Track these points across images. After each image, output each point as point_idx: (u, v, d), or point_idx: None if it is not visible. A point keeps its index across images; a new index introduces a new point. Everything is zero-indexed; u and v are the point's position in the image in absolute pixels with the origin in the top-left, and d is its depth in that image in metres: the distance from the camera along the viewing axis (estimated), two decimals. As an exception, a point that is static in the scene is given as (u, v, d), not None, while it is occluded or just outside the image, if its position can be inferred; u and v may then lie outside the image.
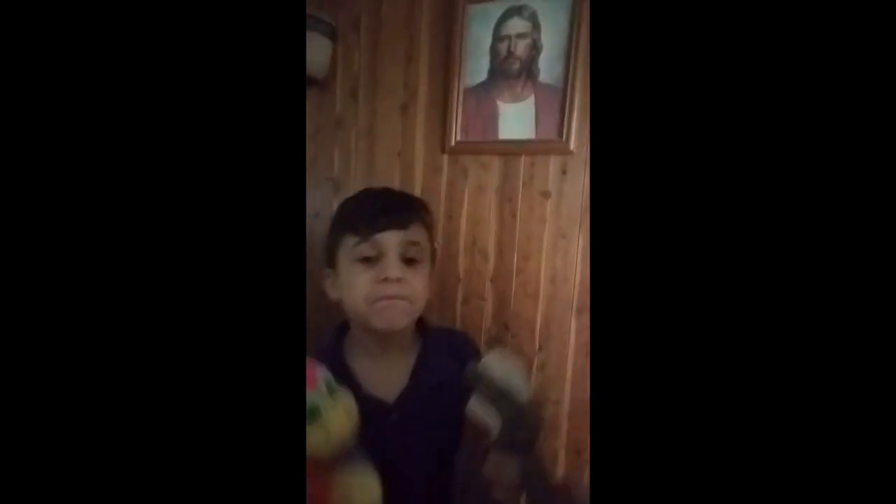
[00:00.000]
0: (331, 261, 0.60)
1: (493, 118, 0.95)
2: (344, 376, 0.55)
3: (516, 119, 0.93)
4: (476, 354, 0.68)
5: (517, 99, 0.93)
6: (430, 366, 0.60)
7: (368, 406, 0.53)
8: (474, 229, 1.00)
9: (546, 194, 0.94)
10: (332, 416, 0.43)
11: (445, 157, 1.01)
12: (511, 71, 0.92)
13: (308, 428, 0.40)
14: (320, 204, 1.13)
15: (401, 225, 0.55)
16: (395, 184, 1.05)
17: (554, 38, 0.89)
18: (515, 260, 0.97)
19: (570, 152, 0.90)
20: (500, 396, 0.46)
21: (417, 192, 1.03)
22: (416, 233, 0.57)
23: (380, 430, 0.49)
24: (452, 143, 0.98)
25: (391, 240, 0.55)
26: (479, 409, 0.46)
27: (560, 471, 0.97)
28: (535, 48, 0.90)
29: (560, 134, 0.89)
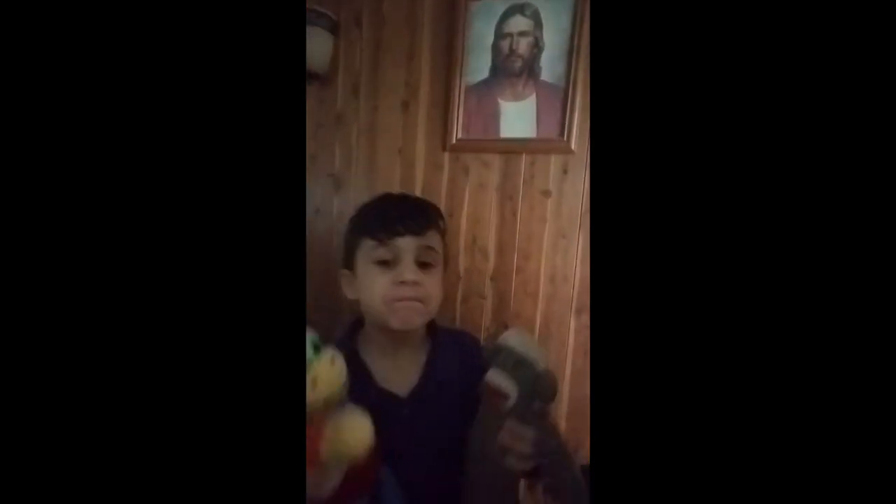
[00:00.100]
0: (348, 262, 0.63)
1: (494, 116, 0.95)
2: (358, 370, 0.57)
3: (517, 117, 0.93)
4: (482, 355, 0.70)
5: (518, 97, 0.93)
6: (440, 364, 0.63)
7: (382, 399, 0.57)
8: (475, 227, 1.00)
9: (546, 193, 0.94)
10: (319, 370, 0.44)
11: (446, 155, 1.01)
12: (513, 69, 0.92)
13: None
14: (321, 200, 1.13)
15: (417, 231, 0.58)
16: (396, 181, 1.06)
17: (556, 37, 0.89)
18: (515, 259, 0.98)
19: (571, 152, 0.90)
20: (517, 366, 0.48)
21: (418, 189, 1.04)
22: (431, 238, 0.60)
23: (393, 423, 0.51)
24: (453, 140, 0.98)
25: (408, 245, 0.58)
26: (497, 378, 0.48)
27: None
28: (537, 46, 0.90)
29: (561, 133, 0.90)
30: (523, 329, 0.57)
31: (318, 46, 1.04)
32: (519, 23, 0.91)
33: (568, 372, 0.96)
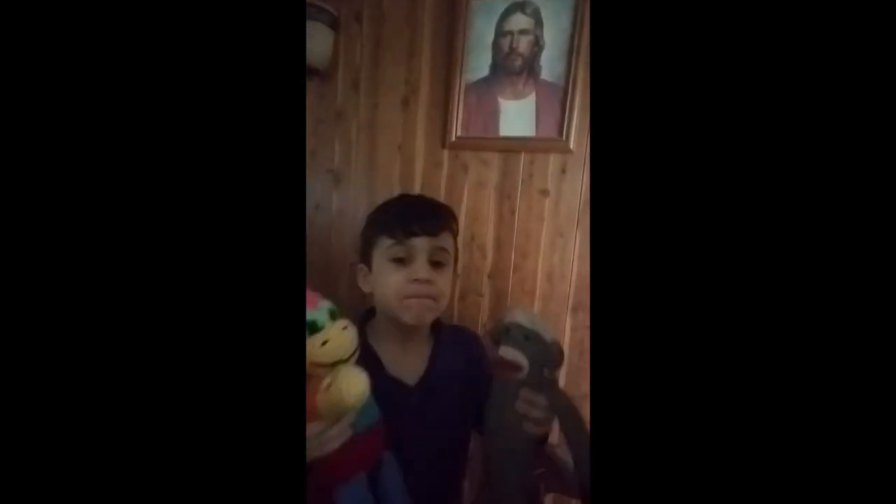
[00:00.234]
0: (365, 257, 0.67)
1: (493, 115, 0.96)
2: (368, 358, 0.61)
3: (517, 116, 0.94)
4: (483, 351, 0.75)
5: (518, 96, 0.93)
6: (445, 356, 0.68)
7: (392, 386, 0.62)
8: (473, 225, 1.01)
9: (545, 192, 0.95)
10: (332, 333, 0.47)
11: (446, 153, 1.02)
12: (513, 67, 0.93)
13: (308, 339, 0.46)
14: (320, 196, 1.14)
15: (432, 232, 0.62)
16: (395, 178, 1.07)
17: (556, 36, 0.89)
18: (513, 257, 0.99)
19: (570, 151, 0.91)
20: (526, 339, 0.53)
21: (417, 186, 1.05)
22: (444, 240, 0.64)
23: (402, 410, 0.56)
24: (453, 138, 0.99)
25: (422, 245, 0.61)
26: (510, 353, 0.52)
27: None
28: (538, 45, 0.91)
29: (560, 133, 0.90)
30: (526, 306, 0.60)
31: (318, 42, 1.04)
32: (519, 21, 0.92)
33: (564, 369, 0.97)
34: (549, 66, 0.90)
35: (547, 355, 0.54)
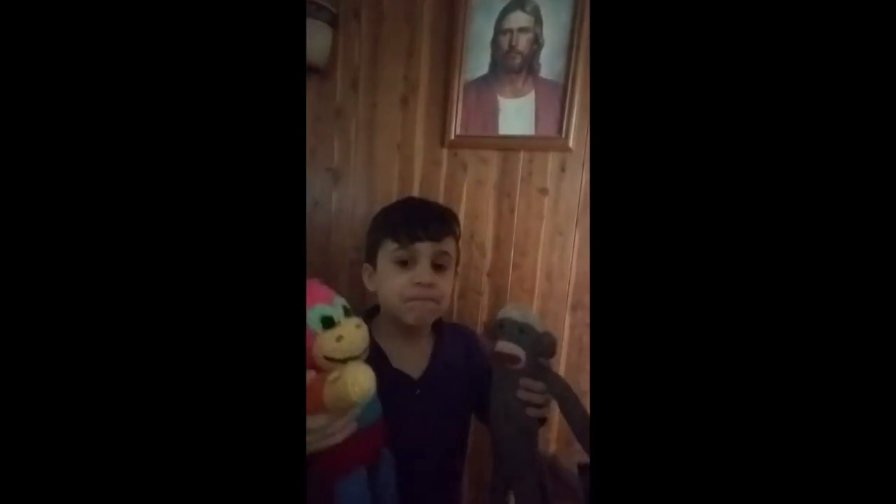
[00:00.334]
0: (371, 258, 0.69)
1: (493, 113, 0.96)
2: (374, 352, 0.63)
3: (516, 114, 0.95)
4: (480, 346, 0.78)
5: (518, 94, 0.94)
6: (446, 352, 0.72)
7: (397, 378, 0.65)
8: (472, 224, 1.02)
9: (544, 191, 0.96)
10: (346, 329, 0.50)
11: (445, 151, 1.02)
12: (512, 65, 0.93)
13: (323, 333, 0.48)
14: (319, 193, 1.15)
15: (435, 237, 0.65)
16: (395, 176, 1.07)
17: (555, 34, 0.90)
18: (512, 255, 1.00)
19: (569, 150, 0.92)
20: (521, 332, 0.58)
21: (416, 184, 1.05)
22: (446, 244, 0.67)
23: (407, 401, 0.61)
24: (452, 136, 0.99)
25: (426, 249, 0.64)
26: (507, 347, 0.57)
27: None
28: (537, 43, 0.91)
29: (560, 131, 0.91)
30: (519, 302, 0.63)
31: (317, 39, 1.04)
32: (519, 19, 0.92)
33: (563, 367, 0.98)
34: (549, 63, 0.91)
35: (540, 345, 0.59)
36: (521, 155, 0.97)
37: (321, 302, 0.51)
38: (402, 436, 0.58)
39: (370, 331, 0.68)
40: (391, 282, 0.65)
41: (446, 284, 0.67)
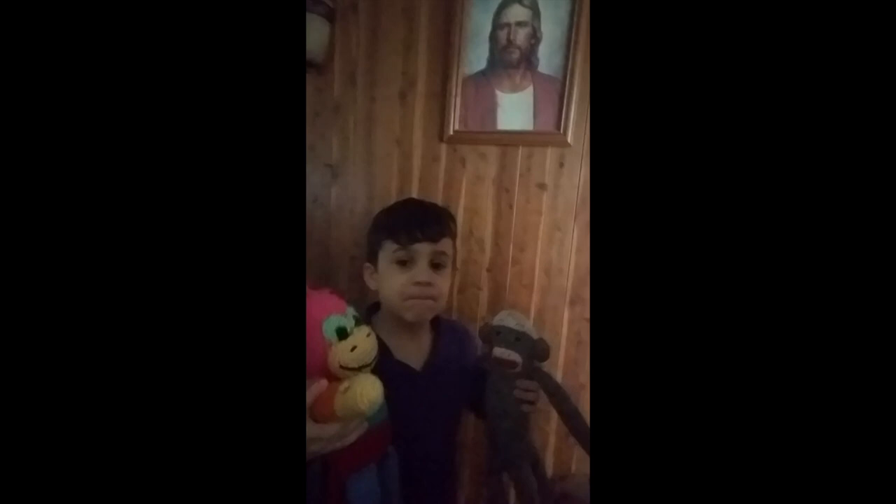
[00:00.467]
0: (372, 258, 0.73)
1: (491, 108, 0.97)
2: (378, 346, 0.68)
3: (515, 109, 0.95)
4: (474, 344, 0.82)
5: (516, 89, 0.95)
6: (444, 345, 0.77)
7: (400, 370, 0.70)
8: (471, 219, 1.03)
9: (542, 186, 0.97)
10: (359, 337, 0.53)
11: (444, 147, 1.03)
12: (510, 60, 0.94)
13: (338, 343, 0.52)
14: (319, 189, 1.16)
15: (433, 238, 0.68)
16: (394, 172, 1.08)
17: (554, 28, 0.90)
18: (511, 250, 1.01)
19: (568, 145, 0.93)
20: (517, 339, 0.64)
21: (415, 180, 1.06)
22: (444, 244, 0.70)
23: (410, 391, 0.65)
24: (451, 132, 1.00)
25: (425, 249, 0.68)
26: (504, 353, 0.63)
27: (550, 455, 1.03)
28: (535, 37, 0.92)
29: (558, 126, 0.92)
30: (513, 310, 0.69)
31: (314, 34, 1.05)
32: (517, 13, 0.92)
33: (562, 361, 1.00)
34: (547, 58, 0.92)
35: (535, 351, 0.65)
36: (520, 150, 0.98)
37: (335, 312, 0.53)
38: (404, 424, 0.63)
39: (372, 326, 0.72)
40: (391, 281, 0.69)
41: (444, 283, 0.71)
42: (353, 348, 0.52)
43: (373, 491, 0.58)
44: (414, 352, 0.74)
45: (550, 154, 0.96)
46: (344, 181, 1.14)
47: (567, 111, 0.90)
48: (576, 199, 0.95)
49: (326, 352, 0.52)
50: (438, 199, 1.04)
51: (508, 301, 1.02)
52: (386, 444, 0.61)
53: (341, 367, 0.52)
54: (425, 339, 0.77)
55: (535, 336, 0.65)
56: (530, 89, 0.94)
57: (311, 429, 0.50)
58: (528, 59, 0.93)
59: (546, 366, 0.98)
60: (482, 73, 0.97)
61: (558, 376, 1.00)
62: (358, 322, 0.55)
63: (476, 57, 0.97)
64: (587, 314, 0.98)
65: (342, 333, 0.52)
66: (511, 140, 0.97)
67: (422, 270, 0.68)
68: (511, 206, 1.00)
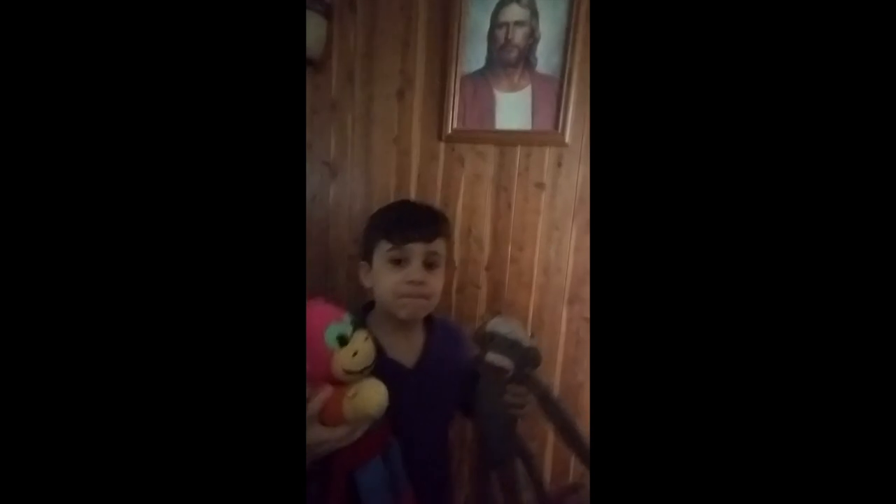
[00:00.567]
0: (367, 256, 0.76)
1: (489, 107, 0.98)
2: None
3: (513, 108, 0.96)
4: (467, 344, 0.83)
5: (514, 88, 0.95)
6: (437, 345, 0.78)
7: (393, 368, 0.71)
8: (470, 218, 1.04)
9: (541, 186, 0.98)
10: (358, 344, 0.57)
11: (442, 145, 1.04)
12: (508, 59, 0.95)
13: (340, 350, 0.55)
14: (317, 187, 1.17)
15: (426, 238, 0.71)
16: (392, 170, 1.09)
17: (552, 28, 0.91)
18: (510, 249, 1.02)
19: (566, 144, 0.94)
20: (509, 346, 0.65)
21: (414, 179, 1.08)
22: (437, 244, 0.72)
23: (402, 389, 0.65)
24: (449, 131, 1.01)
25: (418, 249, 0.70)
26: (496, 359, 0.65)
27: (549, 452, 1.05)
28: (533, 37, 0.93)
29: (556, 126, 0.93)
30: (507, 316, 0.72)
31: (312, 31, 1.05)
32: (515, 12, 0.93)
33: (560, 360, 1.02)
34: (545, 57, 0.92)
35: (527, 358, 0.67)
36: (518, 149, 0.99)
37: (334, 321, 0.57)
38: (396, 421, 0.65)
39: (366, 324, 0.75)
40: (386, 279, 0.71)
41: (437, 282, 0.73)
42: (355, 353, 0.56)
43: (383, 481, 0.62)
44: (406, 350, 0.76)
45: (549, 153, 0.97)
46: (342, 180, 1.15)
47: (565, 111, 0.91)
48: (574, 199, 0.96)
49: (329, 359, 0.55)
50: (437, 198, 1.06)
51: (507, 300, 1.03)
52: (389, 436, 0.65)
53: (345, 372, 0.56)
54: (418, 338, 0.78)
55: (527, 344, 0.67)
56: (528, 89, 0.95)
57: (322, 432, 0.55)
58: (527, 58, 0.94)
59: (545, 364, 1.02)
60: (480, 72, 0.97)
61: (557, 375, 1.02)
62: (355, 327, 0.59)
63: (474, 56, 0.97)
64: (585, 313, 0.99)
65: (343, 341, 0.56)
66: (509, 139, 0.98)
67: (415, 270, 0.70)
68: (509, 206, 1.01)
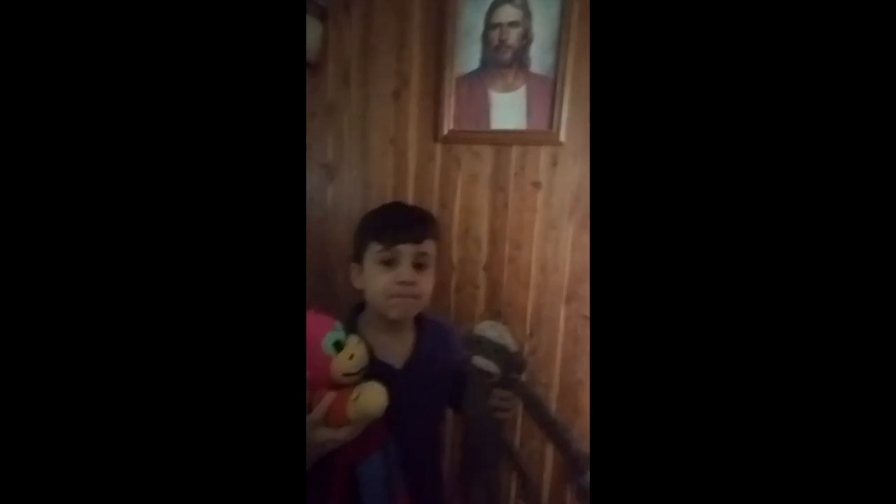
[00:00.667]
0: (357, 258, 0.78)
1: (485, 108, 1.00)
2: None
3: (508, 109, 0.98)
4: (457, 344, 0.83)
5: (509, 88, 0.97)
6: (426, 344, 0.80)
7: (382, 369, 0.72)
8: (467, 218, 1.06)
9: (537, 185, 1.00)
10: (353, 347, 0.63)
11: (438, 146, 1.06)
12: (503, 60, 0.96)
13: (337, 355, 0.61)
14: (315, 190, 1.19)
15: (416, 239, 0.73)
16: (389, 172, 1.11)
17: (545, 28, 0.93)
18: (507, 249, 1.04)
19: (561, 143, 0.95)
20: (496, 351, 0.67)
21: (411, 180, 1.09)
22: (427, 245, 0.75)
23: (391, 390, 0.68)
24: (445, 131, 1.03)
25: (407, 251, 0.73)
26: (482, 363, 0.66)
27: (550, 452, 1.06)
28: (527, 37, 0.94)
29: (551, 125, 0.94)
30: (495, 322, 0.72)
31: (307, 34, 1.07)
32: (508, 13, 0.95)
33: (559, 357, 1.03)
34: (539, 58, 0.94)
35: (513, 363, 0.69)
36: (514, 149, 1.00)
37: (329, 330, 0.63)
38: (386, 421, 0.68)
39: (357, 325, 0.79)
40: (376, 280, 0.74)
41: (427, 282, 0.76)
42: (351, 356, 0.62)
43: (382, 476, 0.67)
44: (396, 350, 0.78)
45: (544, 153, 0.98)
46: (340, 181, 1.16)
47: (559, 110, 0.93)
48: (570, 197, 0.98)
49: (328, 365, 0.61)
50: (434, 199, 1.08)
51: (505, 299, 1.05)
52: (387, 432, 0.68)
53: (343, 374, 0.61)
54: (408, 338, 0.80)
55: (513, 349, 0.69)
56: (523, 89, 0.96)
57: (327, 433, 0.61)
58: (520, 59, 0.95)
59: (545, 361, 1.04)
60: (475, 72, 0.99)
61: (556, 372, 1.04)
62: (348, 332, 0.64)
63: (469, 57, 0.99)
64: (583, 311, 1.01)
65: (339, 346, 0.62)
66: (505, 139, 1.00)
67: (405, 270, 0.72)
68: (506, 205, 1.03)
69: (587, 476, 0.63)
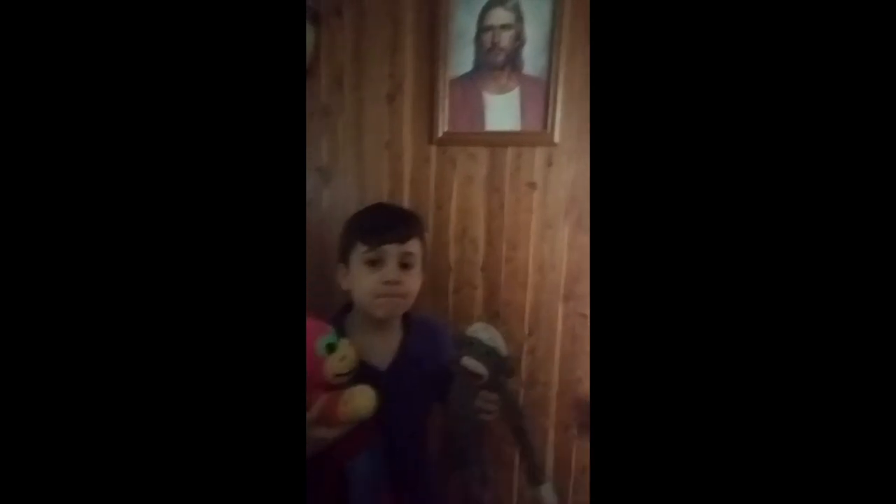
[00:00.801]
0: (344, 259, 0.80)
1: (479, 109, 1.02)
2: None
3: (502, 110, 1.00)
4: (449, 338, 0.86)
5: (503, 90, 0.99)
6: (412, 344, 0.82)
7: (366, 371, 0.74)
8: (464, 219, 1.08)
9: (532, 185, 1.02)
10: (345, 349, 0.68)
11: (433, 148, 1.08)
12: (496, 62, 0.99)
13: (329, 357, 0.66)
14: (311, 193, 1.20)
15: (401, 240, 0.75)
16: (385, 174, 1.13)
17: (537, 30, 0.95)
18: (504, 249, 1.06)
19: (555, 144, 0.98)
20: (487, 353, 0.69)
21: (406, 182, 1.11)
22: (412, 245, 0.77)
23: (377, 391, 0.71)
24: (440, 134, 1.05)
25: (393, 250, 0.75)
26: (472, 364, 0.69)
27: (550, 446, 1.09)
28: (519, 39, 0.96)
29: (545, 126, 0.97)
30: (487, 324, 0.73)
31: (300, 39, 1.08)
32: (500, 16, 0.97)
33: (557, 356, 1.06)
34: (532, 59, 0.97)
35: (503, 367, 0.71)
36: (509, 150, 1.03)
37: (321, 334, 0.68)
38: (373, 422, 0.71)
39: (344, 326, 0.82)
40: (363, 280, 0.76)
41: (412, 281, 0.78)
42: (343, 358, 0.67)
43: (373, 472, 0.71)
44: (383, 351, 0.80)
45: (538, 153, 1.01)
46: (335, 185, 1.18)
47: (553, 111, 0.96)
48: (565, 197, 1.00)
49: (321, 367, 0.66)
50: (430, 201, 1.10)
51: (503, 299, 1.08)
52: (378, 431, 0.72)
53: (335, 375, 0.66)
54: (395, 338, 0.82)
55: (504, 353, 0.71)
56: (516, 90, 0.98)
57: (320, 432, 0.64)
58: (513, 61, 0.98)
59: (544, 359, 1.06)
60: (468, 75, 1.01)
61: (555, 370, 1.06)
62: (338, 335, 0.69)
63: (462, 59, 1.01)
64: (581, 309, 1.03)
65: (332, 348, 0.67)
66: (500, 140, 1.03)
67: (391, 270, 0.75)
68: (502, 206, 1.05)
69: (544, 488, 0.71)
